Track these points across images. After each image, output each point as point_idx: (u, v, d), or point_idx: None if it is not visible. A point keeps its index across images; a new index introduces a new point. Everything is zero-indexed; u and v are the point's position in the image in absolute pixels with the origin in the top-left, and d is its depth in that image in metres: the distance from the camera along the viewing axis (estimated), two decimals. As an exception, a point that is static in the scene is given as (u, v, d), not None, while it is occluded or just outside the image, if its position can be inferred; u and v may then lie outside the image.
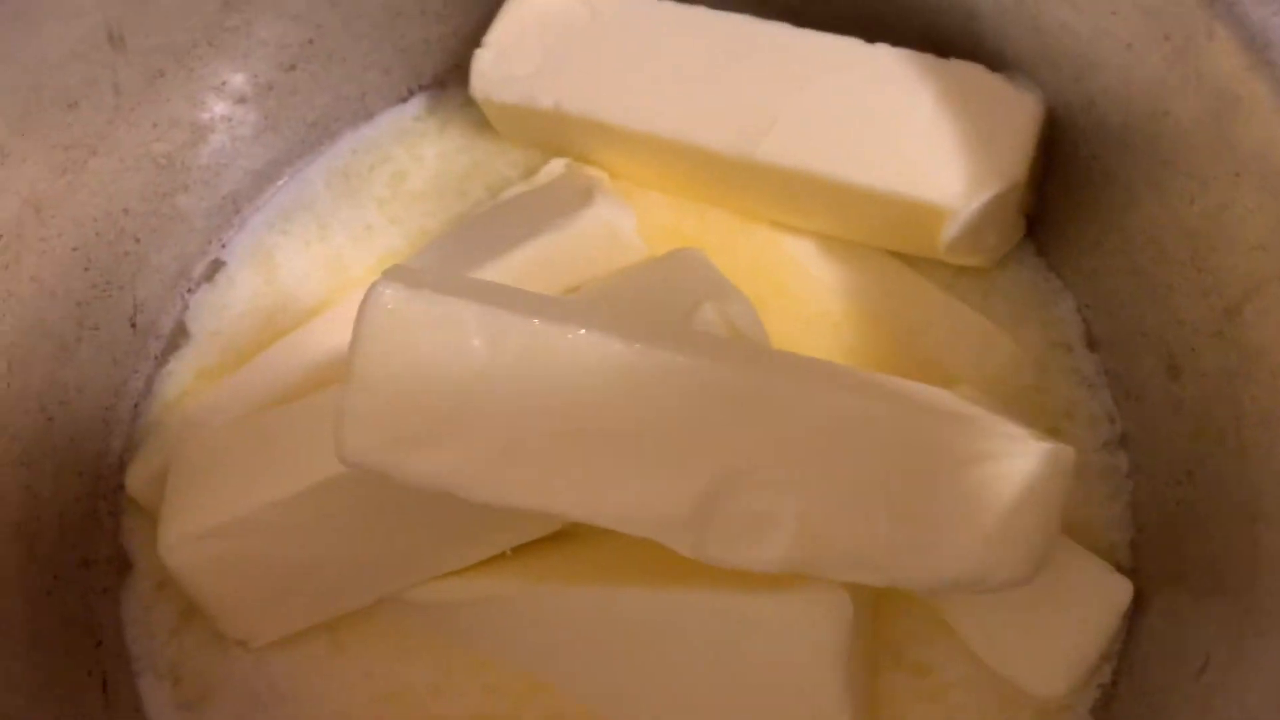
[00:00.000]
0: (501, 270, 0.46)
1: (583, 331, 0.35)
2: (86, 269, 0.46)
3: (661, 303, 0.43)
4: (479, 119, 0.54)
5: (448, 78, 0.56)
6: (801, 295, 0.49)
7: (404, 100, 0.56)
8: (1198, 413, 0.39)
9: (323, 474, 0.41)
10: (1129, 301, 0.44)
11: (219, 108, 0.50)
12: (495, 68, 0.50)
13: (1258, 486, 0.36)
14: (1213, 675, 0.36)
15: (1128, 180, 0.42)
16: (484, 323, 0.34)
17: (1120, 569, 0.42)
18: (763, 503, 0.36)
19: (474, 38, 0.54)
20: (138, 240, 0.49)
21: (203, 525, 0.41)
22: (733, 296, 0.43)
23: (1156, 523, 0.43)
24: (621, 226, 0.47)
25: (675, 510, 0.36)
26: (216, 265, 0.52)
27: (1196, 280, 0.38)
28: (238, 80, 0.50)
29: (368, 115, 0.55)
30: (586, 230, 0.47)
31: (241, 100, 0.50)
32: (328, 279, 0.52)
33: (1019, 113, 0.44)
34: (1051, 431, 0.46)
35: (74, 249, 0.45)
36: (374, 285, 0.35)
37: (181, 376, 0.50)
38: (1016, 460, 0.36)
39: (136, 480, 0.47)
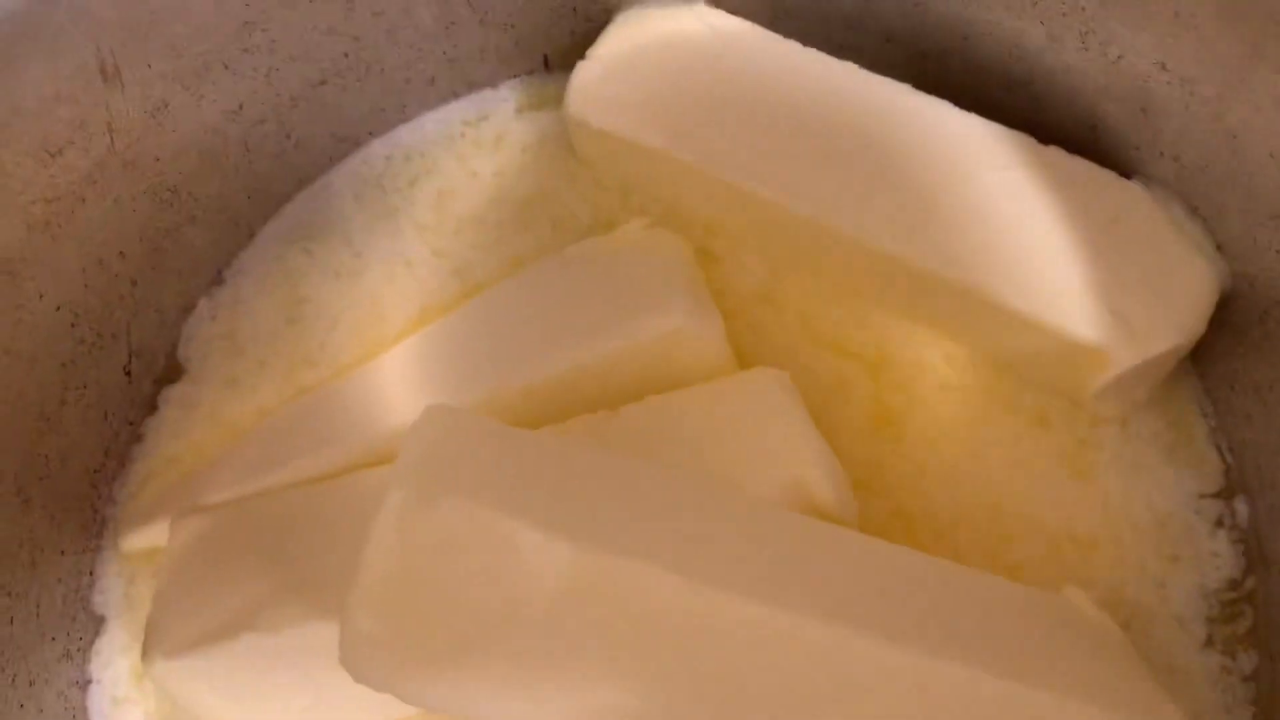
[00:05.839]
0: (558, 369, 0.39)
1: (639, 566, 0.29)
2: (73, 325, 0.39)
3: (735, 455, 0.36)
4: (539, 133, 0.46)
5: (501, 83, 0.48)
6: (923, 413, 0.42)
7: (448, 101, 0.48)
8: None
9: (322, 606, 0.35)
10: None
11: (234, 131, 0.42)
12: (601, 87, 0.42)
13: None
14: None
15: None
16: (530, 544, 0.28)
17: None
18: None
19: (536, 44, 0.46)
20: (134, 283, 0.42)
21: (192, 639, 0.36)
22: (822, 462, 0.36)
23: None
24: (702, 335, 0.39)
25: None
26: (224, 293, 0.45)
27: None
28: (256, 101, 0.42)
29: (405, 117, 0.47)
30: (658, 341, 0.39)
31: (260, 121, 0.43)
32: (361, 324, 0.44)
33: (1198, 273, 0.38)
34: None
35: (57, 308, 0.38)
36: (395, 484, 0.29)
37: (185, 424, 0.43)
38: None
39: (134, 545, 0.42)
